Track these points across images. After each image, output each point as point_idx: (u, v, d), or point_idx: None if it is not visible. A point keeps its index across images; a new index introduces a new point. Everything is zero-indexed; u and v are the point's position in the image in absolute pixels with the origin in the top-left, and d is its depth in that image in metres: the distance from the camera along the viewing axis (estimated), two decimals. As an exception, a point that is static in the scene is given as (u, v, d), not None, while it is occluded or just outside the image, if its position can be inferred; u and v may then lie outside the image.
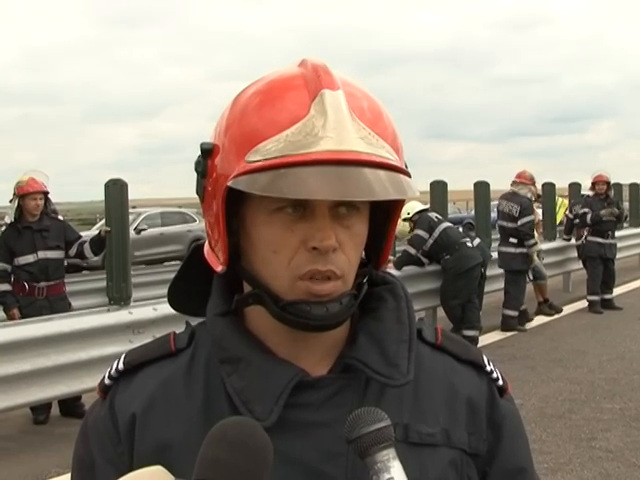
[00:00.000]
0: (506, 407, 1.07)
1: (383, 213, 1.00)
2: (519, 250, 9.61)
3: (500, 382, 1.07)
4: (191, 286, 1.07)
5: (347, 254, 0.93)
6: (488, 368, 1.06)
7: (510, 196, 9.73)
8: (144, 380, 1.01)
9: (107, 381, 1.03)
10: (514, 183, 9.82)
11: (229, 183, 0.90)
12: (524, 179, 9.82)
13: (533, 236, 9.65)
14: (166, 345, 1.03)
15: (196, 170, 0.98)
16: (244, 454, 0.78)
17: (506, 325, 9.67)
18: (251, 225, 0.95)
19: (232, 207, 0.95)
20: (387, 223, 1.01)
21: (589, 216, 11.00)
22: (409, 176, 0.92)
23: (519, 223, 9.50)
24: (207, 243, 1.03)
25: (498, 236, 12.08)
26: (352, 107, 0.91)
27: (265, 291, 0.95)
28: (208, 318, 1.02)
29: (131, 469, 0.89)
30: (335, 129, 0.88)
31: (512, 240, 9.63)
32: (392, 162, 0.90)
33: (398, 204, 0.99)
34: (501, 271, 10.24)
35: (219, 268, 0.99)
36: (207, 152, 0.96)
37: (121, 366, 1.03)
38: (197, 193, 1.00)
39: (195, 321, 1.08)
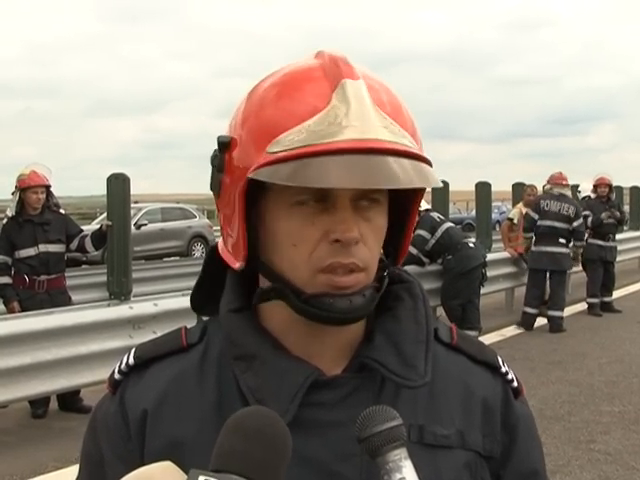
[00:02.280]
0: (521, 409, 1.06)
1: (401, 206, 0.99)
2: (569, 250, 9.88)
3: (515, 384, 1.06)
4: (213, 288, 1.04)
5: (369, 247, 0.92)
6: (503, 369, 1.05)
7: (559, 197, 9.93)
8: (155, 375, 1.00)
9: (117, 376, 1.02)
10: (557, 185, 10.05)
11: (250, 175, 0.89)
12: (565, 180, 10.15)
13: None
14: (177, 340, 1.02)
15: (212, 164, 0.97)
16: (261, 443, 0.76)
17: (556, 327, 9.72)
18: (270, 219, 0.93)
19: (250, 201, 0.93)
20: (405, 217, 1.00)
21: (590, 219, 11.02)
22: (431, 166, 0.92)
23: (575, 224, 9.76)
24: (221, 240, 1.02)
25: (499, 237, 12.07)
26: (373, 98, 0.90)
27: (286, 285, 0.93)
28: (221, 314, 1.00)
29: (141, 465, 0.87)
30: (358, 118, 0.88)
31: (562, 240, 9.81)
32: (416, 151, 0.90)
33: (417, 197, 0.99)
34: (500, 272, 10.28)
35: (237, 265, 0.97)
36: (224, 145, 0.95)
37: (131, 361, 1.01)
38: (211, 189, 0.98)
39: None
